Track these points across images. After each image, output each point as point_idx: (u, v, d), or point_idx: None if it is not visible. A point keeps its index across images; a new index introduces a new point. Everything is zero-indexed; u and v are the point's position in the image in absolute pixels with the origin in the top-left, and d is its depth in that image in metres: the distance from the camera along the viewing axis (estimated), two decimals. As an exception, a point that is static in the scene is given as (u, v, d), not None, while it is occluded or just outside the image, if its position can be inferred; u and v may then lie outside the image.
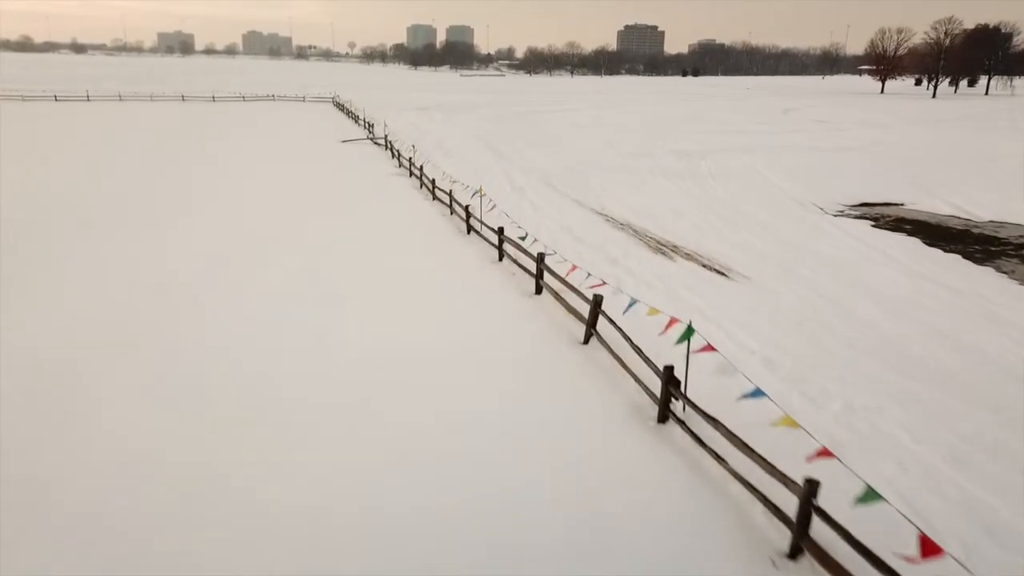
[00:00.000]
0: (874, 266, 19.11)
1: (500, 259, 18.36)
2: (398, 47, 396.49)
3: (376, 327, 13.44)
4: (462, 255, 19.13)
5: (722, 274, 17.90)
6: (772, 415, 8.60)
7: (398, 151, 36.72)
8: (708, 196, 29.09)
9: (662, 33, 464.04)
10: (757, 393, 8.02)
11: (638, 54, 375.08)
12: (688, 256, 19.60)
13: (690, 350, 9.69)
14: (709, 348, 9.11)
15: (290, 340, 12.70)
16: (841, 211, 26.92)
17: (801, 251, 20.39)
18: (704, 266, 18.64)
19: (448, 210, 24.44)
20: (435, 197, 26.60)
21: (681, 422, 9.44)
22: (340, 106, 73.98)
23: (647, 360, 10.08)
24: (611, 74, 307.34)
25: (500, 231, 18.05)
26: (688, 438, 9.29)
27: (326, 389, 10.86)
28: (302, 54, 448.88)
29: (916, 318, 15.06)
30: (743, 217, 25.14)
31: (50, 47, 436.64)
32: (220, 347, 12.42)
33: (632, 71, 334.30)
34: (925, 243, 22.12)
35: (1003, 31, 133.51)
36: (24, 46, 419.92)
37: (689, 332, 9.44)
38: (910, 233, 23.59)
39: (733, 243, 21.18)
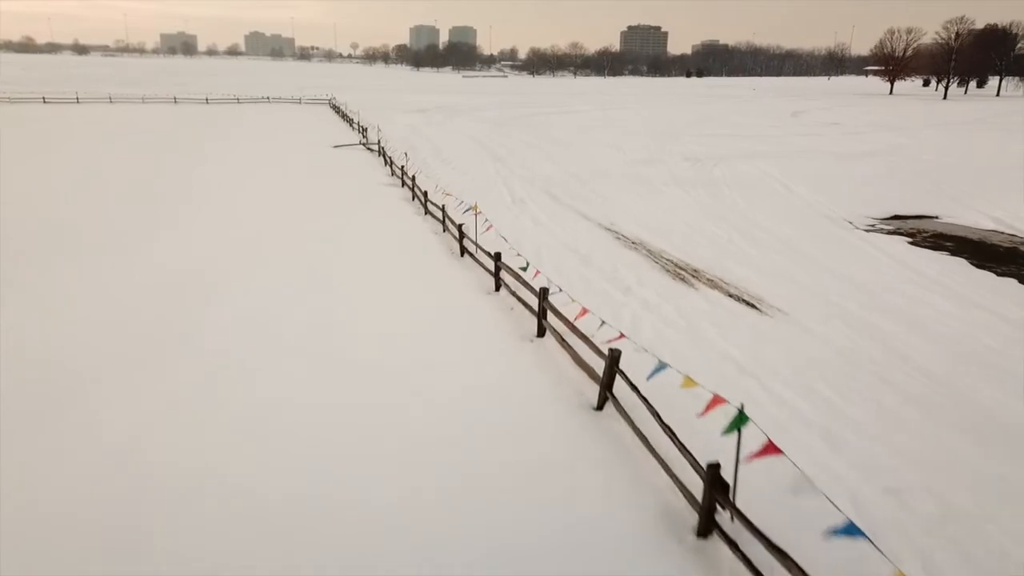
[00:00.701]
0: (922, 294, 16.76)
1: (497, 289, 16.03)
2: (400, 48, 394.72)
3: (341, 383, 11.12)
4: (452, 281, 16.80)
5: (753, 306, 15.55)
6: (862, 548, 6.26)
7: (391, 158, 34.43)
8: (725, 208, 26.74)
9: (665, 34, 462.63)
10: (851, 530, 5.66)
11: (641, 55, 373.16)
12: (711, 283, 17.24)
13: (741, 443, 7.37)
14: (771, 450, 6.75)
15: (238, 412, 10.40)
16: (872, 226, 24.57)
17: (836, 276, 18.04)
18: (731, 295, 16.29)
19: (441, 226, 22.13)
20: (427, 211, 24.30)
21: (729, 540, 7.12)
22: (336, 108, 71.74)
23: (684, 450, 7.76)
24: (614, 75, 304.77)
25: (497, 257, 15.71)
26: (740, 564, 6.97)
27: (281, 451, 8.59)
28: (304, 55, 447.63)
29: (984, 361, 12.75)
30: (766, 233, 22.79)
31: (52, 48, 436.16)
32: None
33: (635, 72, 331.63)
34: (973, 264, 19.78)
35: (1014, 32, 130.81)
36: (26, 47, 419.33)
37: (740, 421, 7.12)
38: (953, 252, 21.25)
39: (760, 266, 18.82)
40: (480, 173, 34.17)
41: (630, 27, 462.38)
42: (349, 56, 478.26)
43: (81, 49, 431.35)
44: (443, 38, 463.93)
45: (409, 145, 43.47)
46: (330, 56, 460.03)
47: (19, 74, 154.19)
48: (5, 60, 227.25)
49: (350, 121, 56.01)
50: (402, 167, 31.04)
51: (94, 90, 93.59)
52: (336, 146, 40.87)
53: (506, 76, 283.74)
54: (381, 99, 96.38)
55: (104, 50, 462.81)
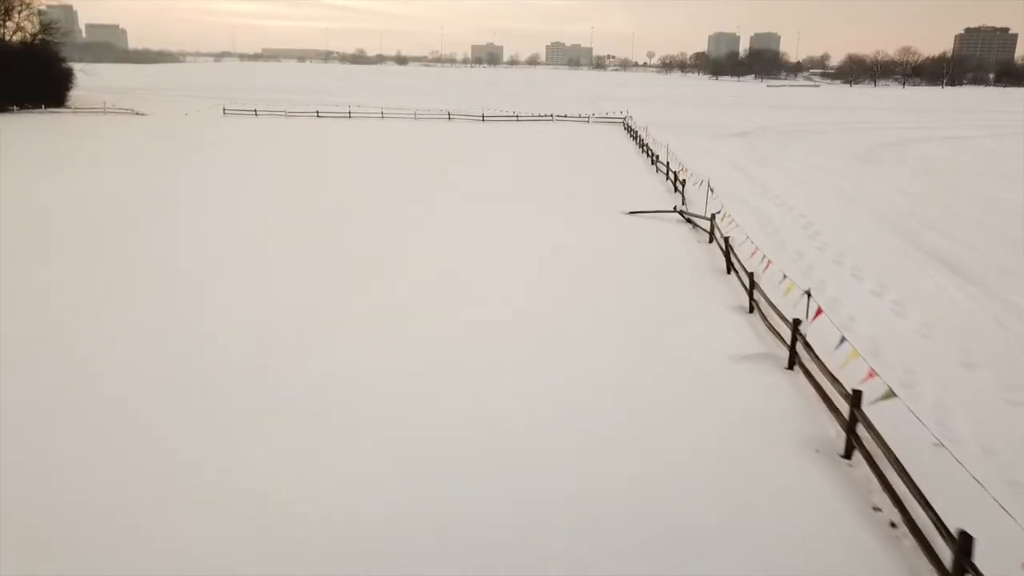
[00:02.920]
0: None
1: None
2: (699, 56, 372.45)
3: None
4: None
5: None
6: None
7: (739, 262, 17.21)
8: None
9: (1014, 36, 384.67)
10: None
11: (985, 61, 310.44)
12: None
13: None
14: None
15: None
16: None
17: None
18: None
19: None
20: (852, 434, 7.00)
21: None
22: (631, 132, 56.21)
23: None
24: (952, 84, 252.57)
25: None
26: None
27: None
28: (599, 64, 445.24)
29: None
30: None
31: (380, 59, 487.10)
32: None
33: (978, 81, 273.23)
34: None
35: None
36: (358, 59, 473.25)
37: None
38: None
39: None
40: (947, 311, 15.69)
41: (968, 30, 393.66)
42: (644, 65, 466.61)
43: (401, 60, 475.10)
44: (743, 45, 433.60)
45: (749, 207, 26.05)
46: (624, 65, 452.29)
47: (330, 83, 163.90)
48: (328, 70, 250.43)
49: (650, 154, 39.84)
50: (750, 285, 13.90)
51: (389, 102, 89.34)
52: (632, 212, 24.73)
53: (817, 86, 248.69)
54: (682, 116, 79.18)
55: (422, 61, 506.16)
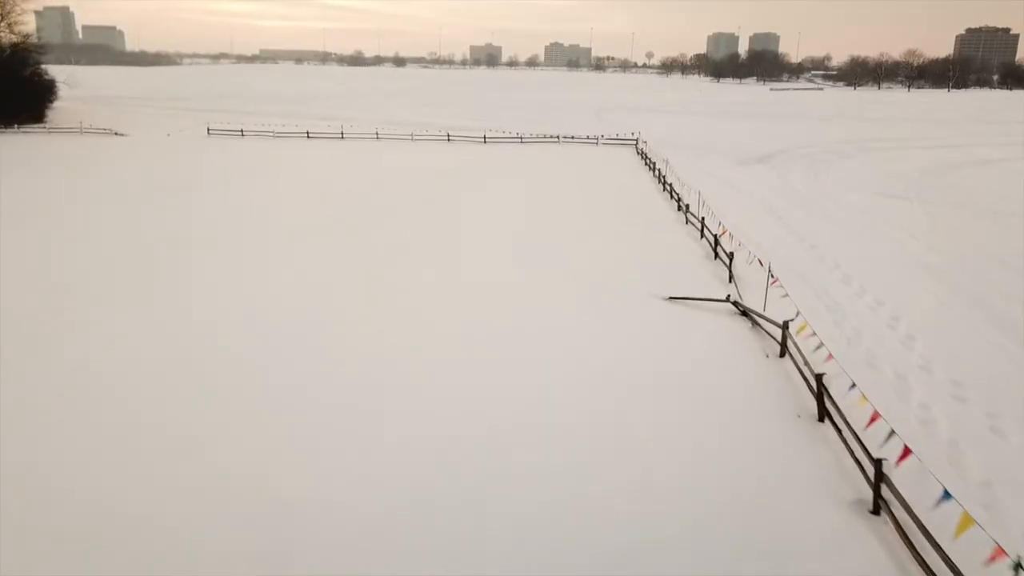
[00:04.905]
0: None
1: None
2: (699, 57, 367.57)
3: None
4: None
5: None
6: None
7: (839, 412, 12.78)
8: None
9: (1016, 36, 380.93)
10: None
11: (988, 62, 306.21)
12: None
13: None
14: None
15: None
16: None
17: None
18: None
19: None
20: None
21: None
22: (646, 158, 51.84)
23: None
24: (958, 87, 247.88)
25: None
26: None
27: None
28: (599, 65, 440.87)
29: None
30: None
31: (378, 60, 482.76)
32: None
33: (982, 83, 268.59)
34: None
35: None
36: (356, 60, 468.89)
37: None
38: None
39: None
40: None
41: (969, 30, 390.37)
42: (644, 66, 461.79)
43: (400, 61, 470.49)
44: (743, 45, 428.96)
45: (810, 286, 21.68)
46: (624, 66, 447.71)
47: (328, 88, 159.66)
48: (326, 73, 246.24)
49: (674, 195, 35.46)
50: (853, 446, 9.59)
51: (385, 116, 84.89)
52: (672, 298, 20.35)
53: (821, 88, 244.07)
54: (696, 132, 74.85)
55: (420, 62, 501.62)
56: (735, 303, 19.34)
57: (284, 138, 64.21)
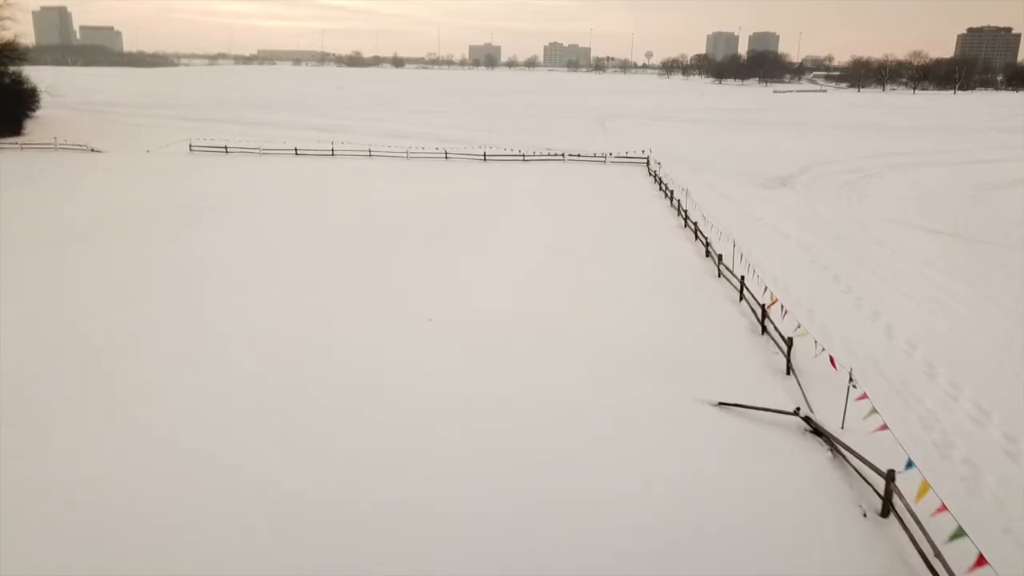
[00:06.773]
0: None
1: None
2: (699, 58, 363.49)
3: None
4: None
5: None
6: None
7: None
8: None
9: (1017, 36, 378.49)
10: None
11: (990, 62, 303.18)
12: None
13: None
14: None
15: None
16: None
17: None
18: None
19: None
20: None
21: None
22: (659, 181, 47.85)
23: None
24: (963, 88, 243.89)
25: None
26: None
27: None
28: (599, 66, 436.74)
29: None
30: None
31: (376, 61, 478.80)
32: None
33: (986, 84, 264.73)
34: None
35: None
36: (354, 61, 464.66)
37: None
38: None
39: None
40: None
41: (970, 30, 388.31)
42: (643, 66, 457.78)
43: (398, 62, 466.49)
44: (743, 45, 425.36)
45: (893, 387, 17.67)
46: (624, 67, 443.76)
47: (325, 93, 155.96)
48: (324, 75, 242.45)
49: (697, 234, 31.50)
50: None
51: (380, 127, 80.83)
52: (720, 404, 16.35)
53: (825, 90, 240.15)
54: (707, 144, 70.95)
55: (419, 63, 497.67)
56: (806, 418, 15.32)
57: (271, 155, 60.18)
